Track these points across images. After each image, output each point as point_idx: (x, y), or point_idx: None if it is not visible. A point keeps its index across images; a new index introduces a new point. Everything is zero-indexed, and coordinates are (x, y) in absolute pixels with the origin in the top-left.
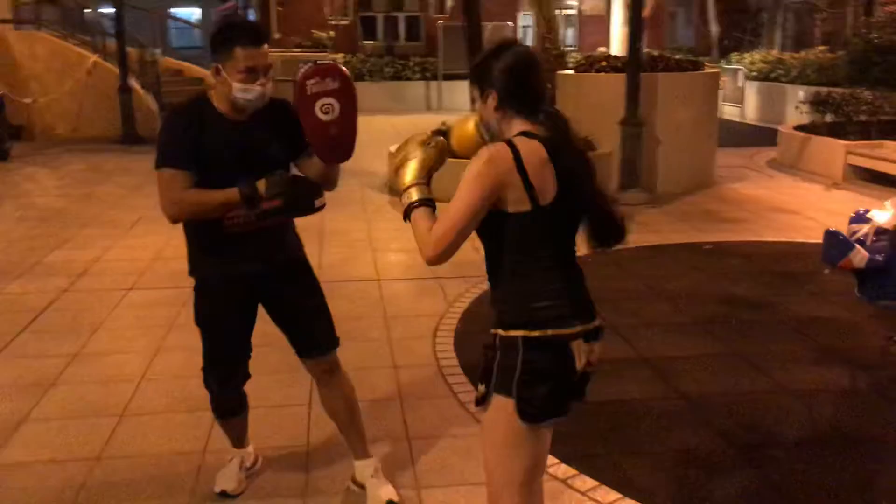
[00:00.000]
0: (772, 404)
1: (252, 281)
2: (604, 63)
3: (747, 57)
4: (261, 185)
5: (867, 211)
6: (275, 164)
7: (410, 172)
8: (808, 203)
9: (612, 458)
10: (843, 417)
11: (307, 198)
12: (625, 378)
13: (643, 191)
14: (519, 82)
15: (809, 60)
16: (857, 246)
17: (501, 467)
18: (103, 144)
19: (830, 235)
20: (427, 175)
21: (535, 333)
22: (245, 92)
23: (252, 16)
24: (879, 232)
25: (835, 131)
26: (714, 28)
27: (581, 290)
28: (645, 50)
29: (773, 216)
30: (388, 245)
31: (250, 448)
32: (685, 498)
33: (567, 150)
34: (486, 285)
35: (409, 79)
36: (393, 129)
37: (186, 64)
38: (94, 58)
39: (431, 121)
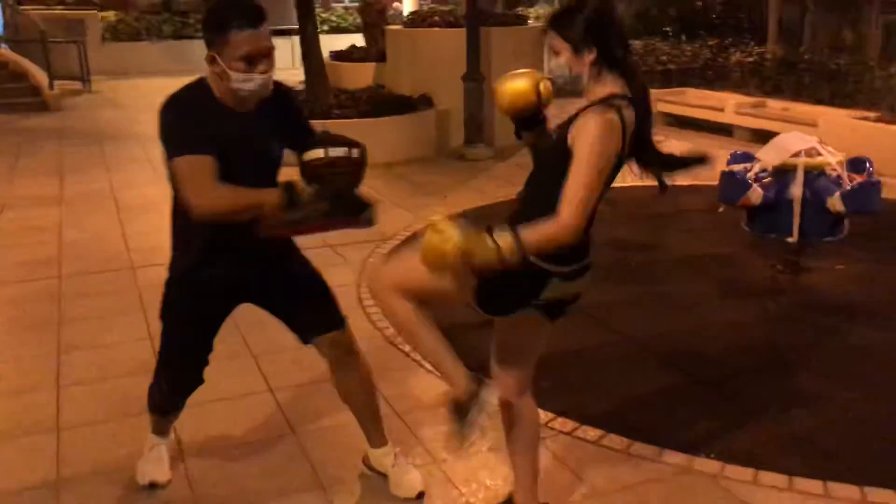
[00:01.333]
0: (708, 336)
1: (251, 280)
2: (436, 18)
3: (532, 12)
4: (299, 185)
5: (744, 153)
6: (273, 158)
7: (465, 240)
8: None
9: (588, 402)
10: (767, 339)
11: (353, 204)
12: (570, 328)
13: (487, 146)
14: (616, 36)
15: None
16: (754, 185)
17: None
18: None
19: (728, 176)
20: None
21: (564, 269)
22: (245, 82)
23: None
24: (764, 171)
25: None
26: None
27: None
28: (430, 6)
29: None
30: None
31: (172, 436)
32: (669, 428)
33: (648, 113)
34: (385, 248)
35: (191, 37)
36: (166, 95)
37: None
38: None
39: None
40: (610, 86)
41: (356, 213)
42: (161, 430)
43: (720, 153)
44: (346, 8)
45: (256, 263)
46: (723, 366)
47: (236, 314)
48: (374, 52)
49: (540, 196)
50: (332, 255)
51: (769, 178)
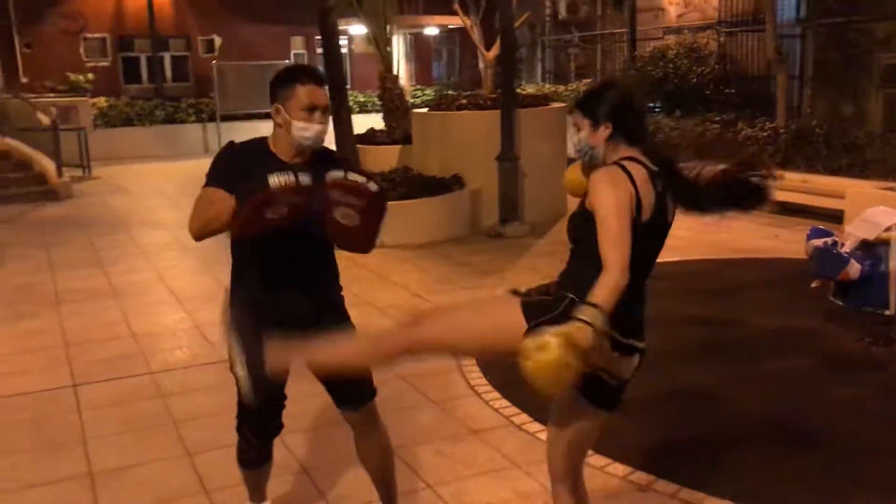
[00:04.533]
0: (826, 415)
1: (295, 326)
2: (464, 101)
3: (519, 90)
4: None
5: (820, 229)
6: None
7: (564, 338)
8: None
9: (725, 483)
10: (885, 413)
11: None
12: (678, 410)
13: (522, 223)
14: (632, 115)
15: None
16: (852, 259)
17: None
18: None
19: (824, 251)
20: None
21: (622, 339)
22: (305, 130)
23: None
24: (857, 245)
25: None
26: (482, 64)
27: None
28: (416, 86)
29: None
30: None
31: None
32: None
33: (667, 173)
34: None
35: (183, 121)
36: (168, 179)
37: (13, 142)
38: None
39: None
40: (623, 152)
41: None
42: (258, 490)
43: (746, 225)
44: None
45: (308, 300)
46: (845, 445)
47: None
48: (396, 135)
49: (578, 264)
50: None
51: (862, 253)
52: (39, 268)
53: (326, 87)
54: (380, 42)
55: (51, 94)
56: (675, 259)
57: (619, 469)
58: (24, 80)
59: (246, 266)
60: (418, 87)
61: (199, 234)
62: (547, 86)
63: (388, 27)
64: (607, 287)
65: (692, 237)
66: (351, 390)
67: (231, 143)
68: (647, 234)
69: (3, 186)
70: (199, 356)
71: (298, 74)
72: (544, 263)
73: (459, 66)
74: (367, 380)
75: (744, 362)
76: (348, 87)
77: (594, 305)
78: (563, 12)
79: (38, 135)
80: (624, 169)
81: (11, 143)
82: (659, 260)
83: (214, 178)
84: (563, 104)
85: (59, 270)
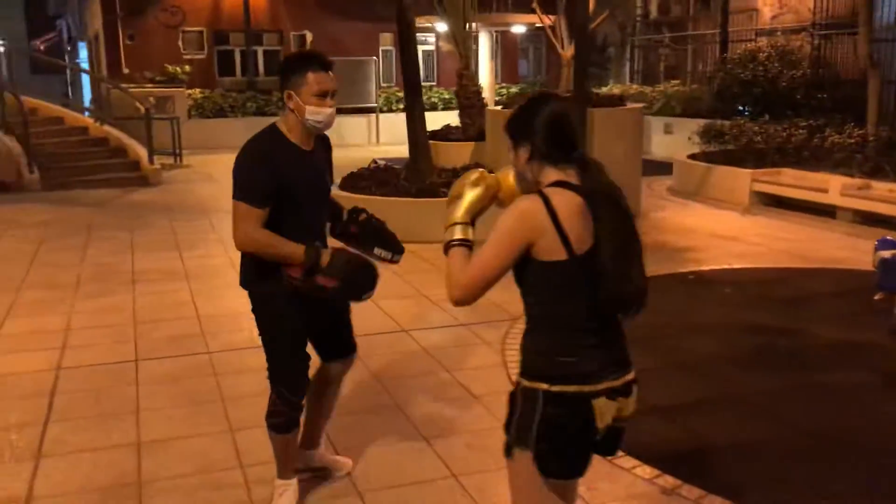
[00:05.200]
0: (875, 433)
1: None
2: None
3: (604, 89)
4: (325, 256)
5: (888, 239)
6: (328, 192)
7: (458, 209)
8: (738, 228)
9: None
10: None
11: (360, 289)
12: (733, 418)
13: None
14: (552, 135)
15: (670, 93)
16: None
17: None
18: None
19: (889, 263)
20: (473, 215)
21: (556, 388)
22: (317, 114)
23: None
24: None
25: (730, 160)
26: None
27: (616, 345)
28: (501, 84)
29: (719, 243)
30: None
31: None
32: None
33: (604, 198)
34: (517, 327)
35: (273, 114)
36: None
37: (65, 110)
38: None
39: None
40: (553, 175)
41: (359, 295)
42: (286, 471)
43: (826, 234)
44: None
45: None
46: (892, 466)
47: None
48: (471, 132)
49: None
50: (467, 333)
51: None
52: (122, 249)
53: (332, 73)
54: (458, 39)
55: (149, 85)
56: (746, 266)
57: (647, 471)
58: (125, 70)
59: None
60: (503, 85)
61: (248, 252)
62: (633, 86)
63: (467, 25)
64: (454, 277)
65: (766, 244)
66: (343, 345)
67: (251, 143)
68: (594, 268)
69: (99, 171)
70: (255, 339)
71: (309, 62)
72: None
73: (546, 64)
74: (352, 335)
75: (797, 373)
76: (434, 83)
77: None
78: (654, 12)
79: (135, 123)
80: (545, 200)
81: (110, 130)
82: (728, 266)
83: (259, 197)
84: (639, 105)
85: (139, 252)
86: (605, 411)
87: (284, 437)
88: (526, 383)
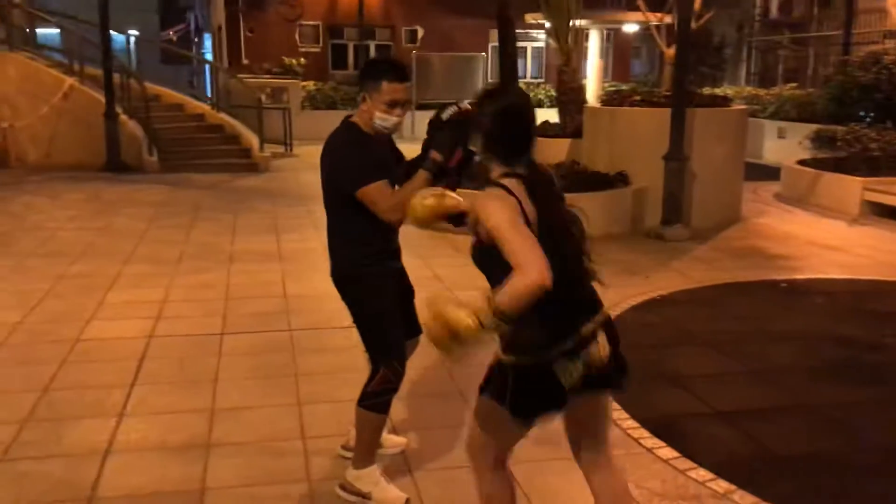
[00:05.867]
0: None
1: (395, 273)
2: (637, 98)
3: (718, 91)
4: (433, 154)
5: None
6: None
7: (464, 318)
8: (843, 238)
9: None
10: None
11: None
12: (808, 430)
13: (685, 227)
14: (503, 130)
15: (786, 96)
16: None
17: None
18: (86, 172)
19: None
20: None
21: (524, 361)
22: (384, 121)
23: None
24: None
25: (841, 167)
26: None
27: (571, 307)
28: (610, 82)
29: (819, 252)
30: (458, 284)
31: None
32: None
33: (544, 191)
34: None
35: None
36: None
37: (186, 98)
38: (70, 81)
39: (406, 149)
40: (499, 171)
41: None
42: (371, 455)
43: None
44: (527, 84)
45: (399, 253)
46: None
47: None
48: (569, 129)
49: (495, 277)
50: None
51: None
52: (224, 230)
53: (409, 84)
54: (560, 36)
55: (267, 76)
56: (845, 277)
57: (701, 474)
58: (245, 61)
59: (374, 231)
60: (613, 83)
61: (401, 217)
62: (748, 88)
63: (570, 22)
64: (513, 288)
65: (871, 256)
66: (410, 326)
67: (342, 142)
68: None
69: (212, 156)
70: (334, 320)
71: (386, 72)
72: (698, 270)
73: (660, 64)
74: (417, 318)
75: (878, 388)
76: (542, 80)
77: (490, 301)
78: (774, 12)
79: (250, 112)
80: (504, 187)
81: (225, 118)
82: (824, 276)
83: (375, 172)
84: (743, 106)
85: (239, 233)
86: (570, 371)
87: (382, 418)
88: (502, 358)
